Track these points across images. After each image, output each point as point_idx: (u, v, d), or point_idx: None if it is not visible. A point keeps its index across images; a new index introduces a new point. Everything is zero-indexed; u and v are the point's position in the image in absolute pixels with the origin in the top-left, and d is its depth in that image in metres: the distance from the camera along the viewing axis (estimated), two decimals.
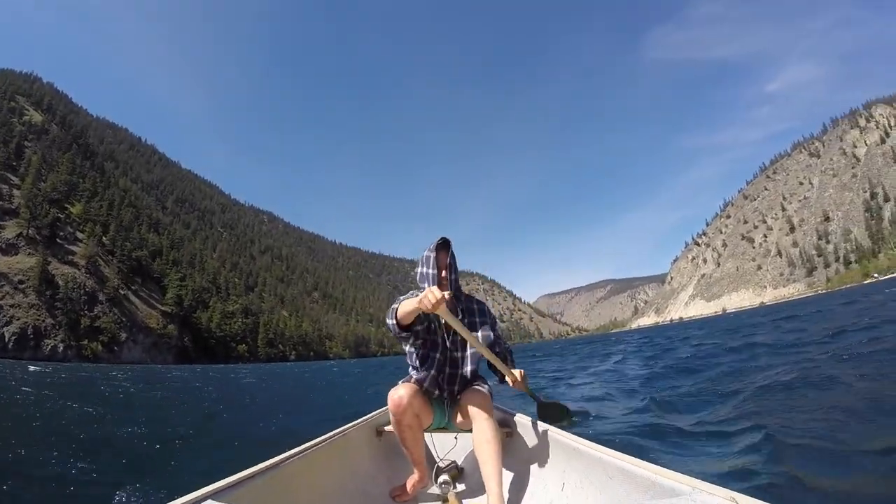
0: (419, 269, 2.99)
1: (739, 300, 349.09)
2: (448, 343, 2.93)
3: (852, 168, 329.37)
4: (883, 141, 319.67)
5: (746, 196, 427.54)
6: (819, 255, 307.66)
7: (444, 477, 3.01)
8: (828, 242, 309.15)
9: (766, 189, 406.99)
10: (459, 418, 2.91)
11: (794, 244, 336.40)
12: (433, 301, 2.43)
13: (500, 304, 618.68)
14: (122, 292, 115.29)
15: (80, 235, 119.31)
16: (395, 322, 2.75)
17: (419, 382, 2.91)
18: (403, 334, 2.84)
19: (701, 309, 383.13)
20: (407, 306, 2.67)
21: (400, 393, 2.70)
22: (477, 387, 2.84)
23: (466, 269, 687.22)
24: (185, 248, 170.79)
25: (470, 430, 2.79)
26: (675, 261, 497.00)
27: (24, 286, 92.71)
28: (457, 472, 3.16)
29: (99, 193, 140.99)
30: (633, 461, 1.76)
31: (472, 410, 2.64)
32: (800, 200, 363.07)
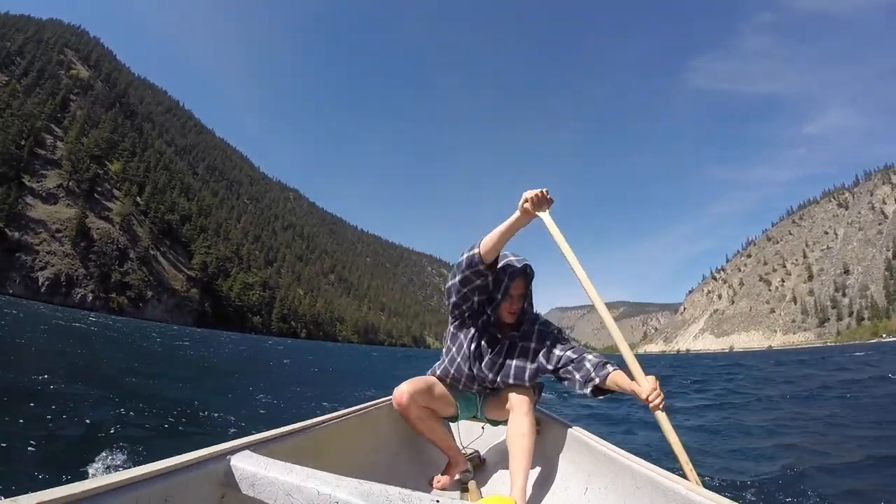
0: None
1: (748, 340, 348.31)
2: (493, 337, 2.73)
3: (879, 224, 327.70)
4: None
5: (770, 238, 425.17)
6: (833, 307, 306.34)
7: (466, 465, 3.04)
8: (844, 295, 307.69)
9: (790, 234, 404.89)
10: (493, 410, 2.87)
11: (811, 293, 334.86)
12: (535, 193, 2.40)
13: None
14: (152, 252, 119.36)
15: (116, 193, 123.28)
16: (477, 254, 2.46)
17: (445, 373, 2.86)
18: (477, 276, 2.52)
19: (709, 344, 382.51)
20: (495, 233, 2.45)
21: (402, 390, 2.67)
22: (521, 381, 2.69)
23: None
24: (213, 216, 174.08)
25: (500, 423, 2.87)
26: (690, 292, 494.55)
27: (60, 235, 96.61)
28: (479, 462, 3.23)
29: (137, 154, 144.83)
30: (664, 473, 1.72)
31: (513, 403, 2.55)
32: (822, 250, 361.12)
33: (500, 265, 2.62)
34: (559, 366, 2.64)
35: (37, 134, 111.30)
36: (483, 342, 2.69)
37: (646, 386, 2.26)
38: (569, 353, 2.64)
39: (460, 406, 2.91)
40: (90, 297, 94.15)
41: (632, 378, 2.35)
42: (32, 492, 0.86)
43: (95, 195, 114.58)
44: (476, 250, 2.45)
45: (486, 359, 2.69)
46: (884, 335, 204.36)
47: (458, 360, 2.75)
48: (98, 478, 1.10)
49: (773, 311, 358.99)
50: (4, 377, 7.23)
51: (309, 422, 2.08)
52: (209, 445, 1.41)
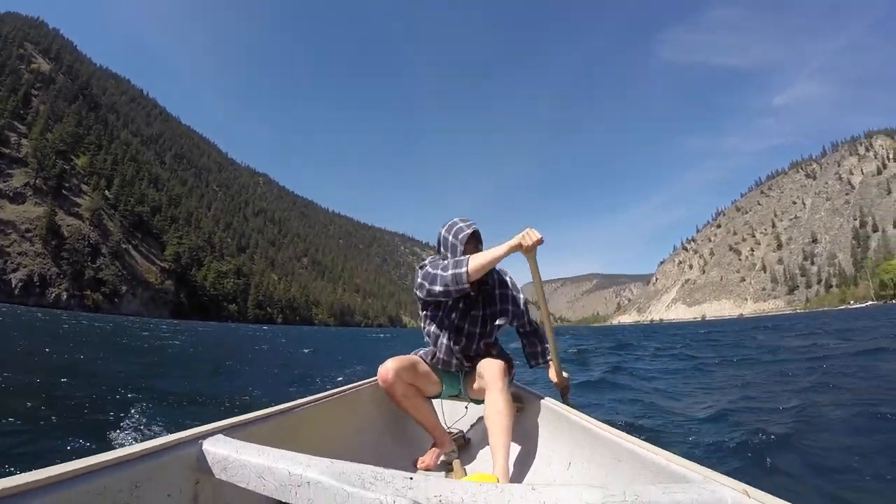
0: (441, 251, 2.95)
1: (720, 309, 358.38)
2: (467, 312, 2.92)
3: (846, 194, 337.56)
4: (879, 172, 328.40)
5: (739, 208, 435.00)
6: (802, 275, 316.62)
7: (451, 445, 3.04)
8: (812, 264, 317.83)
9: (759, 204, 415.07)
10: (474, 387, 2.92)
11: (780, 261, 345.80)
12: (535, 238, 2.50)
13: None
14: (124, 246, 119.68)
15: (84, 188, 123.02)
16: (465, 273, 2.57)
17: (428, 355, 2.98)
18: (463, 291, 2.68)
19: (681, 313, 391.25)
20: (487, 255, 2.58)
21: (387, 367, 2.74)
22: (494, 358, 2.80)
23: None
24: (183, 205, 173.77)
25: (481, 401, 2.87)
26: (661, 263, 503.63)
27: (31, 235, 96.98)
28: (463, 442, 3.24)
29: (104, 147, 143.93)
30: (644, 445, 1.73)
31: (488, 380, 2.60)
32: (790, 219, 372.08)
33: (450, 230, 2.89)
34: (527, 329, 3.13)
35: (0, 132, 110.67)
36: (459, 310, 2.89)
37: (560, 381, 2.97)
38: (534, 321, 3.14)
39: (444, 384, 3.01)
40: (65, 296, 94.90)
41: (556, 372, 2.95)
42: None
43: (63, 191, 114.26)
44: (464, 271, 2.57)
45: (465, 328, 2.89)
46: (851, 301, 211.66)
47: (442, 339, 2.89)
48: (61, 464, 1.09)
49: (743, 279, 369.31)
50: None
51: (288, 404, 2.09)
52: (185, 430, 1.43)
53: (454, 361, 2.90)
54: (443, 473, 2.85)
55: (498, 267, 2.89)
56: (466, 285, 2.59)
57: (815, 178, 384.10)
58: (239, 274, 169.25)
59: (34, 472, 1.01)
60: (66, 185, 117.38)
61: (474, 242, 2.88)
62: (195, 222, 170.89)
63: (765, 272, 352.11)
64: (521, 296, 3.07)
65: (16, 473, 0.92)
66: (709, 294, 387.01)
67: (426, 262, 2.85)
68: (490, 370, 2.62)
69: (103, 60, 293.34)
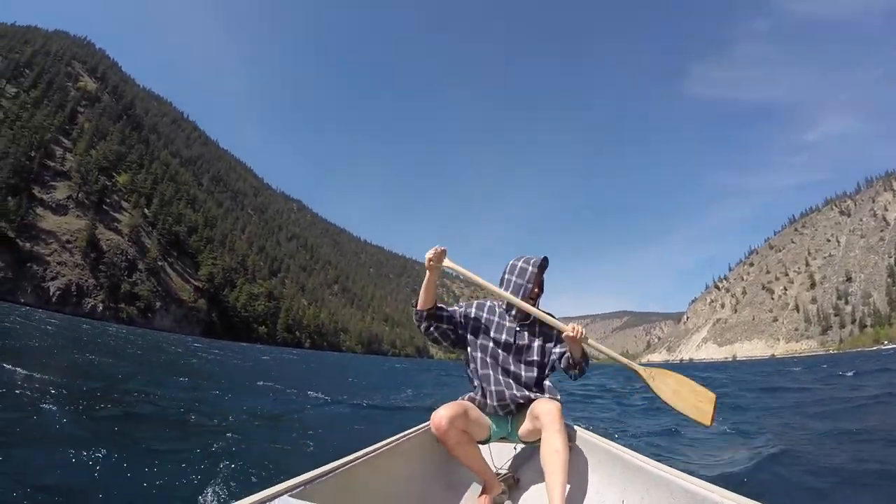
0: (506, 276, 3.14)
1: (751, 349, 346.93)
2: (509, 357, 3.02)
3: (881, 231, 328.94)
4: None
5: (772, 246, 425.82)
6: (836, 315, 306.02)
7: (500, 487, 3.06)
8: (846, 303, 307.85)
9: (792, 242, 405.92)
10: (525, 429, 2.92)
11: (813, 301, 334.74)
12: (432, 253, 2.83)
13: None
14: (160, 263, 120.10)
15: (125, 204, 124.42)
16: (415, 309, 3.04)
17: (473, 400, 3.05)
18: (424, 324, 3.08)
19: (712, 353, 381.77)
20: (421, 290, 3.01)
21: (441, 414, 2.75)
22: (549, 398, 2.88)
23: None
24: (218, 227, 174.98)
25: (533, 443, 2.87)
26: (693, 301, 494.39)
27: (71, 246, 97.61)
28: (513, 482, 3.22)
29: (145, 166, 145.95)
30: (701, 483, 1.70)
31: (544, 421, 2.62)
32: (825, 257, 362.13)
33: (520, 259, 3.14)
34: (559, 363, 3.02)
35: (46, 146, 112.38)
36: (498, 353, 3.00)
37: (568, 327, 2.84)
38: (556, 348, 3.08)
39: (494, 427, 3.00)
40: (100, 308, 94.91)
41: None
42: None
43: (104, 206, 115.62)
44: (413, 307, 3.02)
45: (511, 370, 2.97)
46: (885, 342, 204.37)
47: (491, 387, 2.93)
48: None
49: (775, 319, 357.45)
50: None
51: (344, 459, 2.10)
52: (248, 495, 1.43)
53: (500, 405, 2.94)
54: None
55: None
56: (423, 315, 3.01)
57: (849, 216, 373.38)
58: (270, 297, 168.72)
59: None
60: (107, 200, 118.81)
61: (541, 270, 3.17)
62: (230, 244, 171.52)
63: (798, 312, 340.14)
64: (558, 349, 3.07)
65: None
66: (740, 334, 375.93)
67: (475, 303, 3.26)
68: (546, 409, 2.63)
69: (147, 82, 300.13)
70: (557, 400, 2.83)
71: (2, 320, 26.69)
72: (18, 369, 8.64)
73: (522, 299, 2.97)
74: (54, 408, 6.17)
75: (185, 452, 5.01)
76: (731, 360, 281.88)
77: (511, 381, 2.93)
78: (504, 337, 3.00)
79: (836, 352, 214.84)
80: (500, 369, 2.95)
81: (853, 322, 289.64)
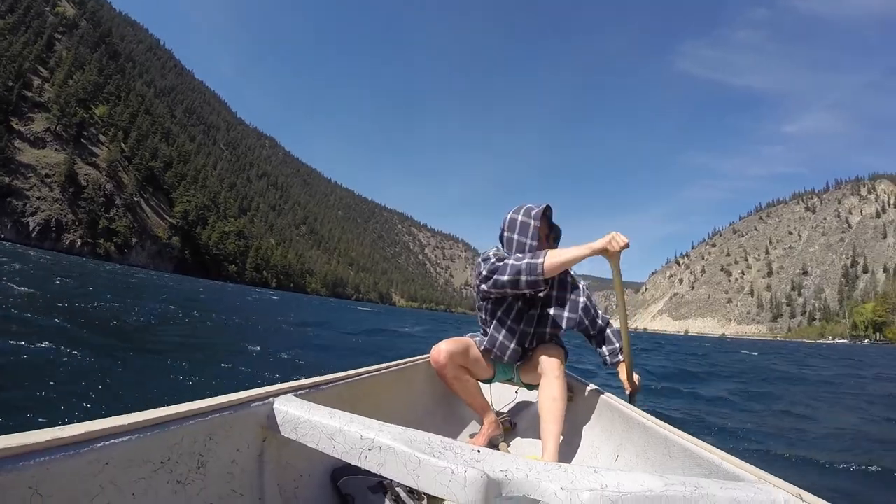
0: (506, 234, 2.77)
1: (703, 326, 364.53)
2: (524, 311, 2.82)
3: (842, 232, 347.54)
4: (878, 215, 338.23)
5: (736, 231, 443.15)
6: (788, 305, 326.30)
7: (498, 428, 2.99)
8: (799, 295, 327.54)
9: (755, 229, 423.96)
10: (527, 374, 2.86)
11: (768, 288, 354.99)
12: (622, 243, 2.37)
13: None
14: (136, 199, 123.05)
15: (102, 138, 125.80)
16: (541, 263, 2.46)
17: (481, 343, 2.90)
18: (544, 287, 2.64)
19: (666, 325, 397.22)
20: (567, 254, 2.48)
21: (440, 348, 2.72)
22: (553, 343, 2.79)
23: (452, 232, 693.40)
24: (191, 162, 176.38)
25: (534, 387, 2.78)
26: (653, 273, 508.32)
27: (50, 181, 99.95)
28: (510, 426, 3.21)
29: (122, 98, 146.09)
30: (697, 442, 1.70)
31: (545, 367, 2.56)
32: (785, 248, 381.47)
33: (518, 210, 2.78)
34: (592, 332, 3.02)
35: (24, 75, 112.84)
36: (517, 308, 2.81)
37: (631, 384, 2.86)
38: (601, 319, 3.06)
39: (497, 369, 2.98)
40: (79, 243, 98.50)
41: (628, 374, 2.85)
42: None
43: (82, 140, 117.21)
44: (540, 262, 2.47)
45: (521, 327, 2.81)
46: (830, 338, 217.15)
47: (497, 335, 2.83)
48: (142, 412, 1.07)
49: (730, 300, 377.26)
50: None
51: (351, 371, 2.14)
52: (252, 388, 1.47)
53: (507, 356, 2.85)
54: (484, 448, 2.16)
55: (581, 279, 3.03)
56: (540, 277, 2.48)
57: (814, 212, 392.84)
58: (240, 236, 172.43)
59: (116, 417, 1.00)
60: (85, 133, 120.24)
61: (547, 221, 2.89)
62: (202, 180, 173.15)
63: (752, 296, 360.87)
64: (583, 299, 2.93)
65: (103, 412, 1.05)
66: (695, 310, 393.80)
67: (489, 252, 2.75)
68: (548, 357, 2.62)
69: (122, 6, 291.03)
70: (561, 347, 2.82)
71: None
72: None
73: (534, 242, 2.71)
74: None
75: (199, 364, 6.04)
76: (682, 333, 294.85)
77: (518, 336, 2.82)
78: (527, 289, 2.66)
79: (782, 339, 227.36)
80: (509, 325, 2.81)
81: (803, 314, 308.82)
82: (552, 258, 2.47)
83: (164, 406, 1.07)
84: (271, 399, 1.47)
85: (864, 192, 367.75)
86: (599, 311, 3.07)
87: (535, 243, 2.68)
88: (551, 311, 2.84)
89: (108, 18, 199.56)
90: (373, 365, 2.48)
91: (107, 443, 0.95)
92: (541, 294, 2.80)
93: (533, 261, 2.48)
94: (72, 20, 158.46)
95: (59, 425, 0.87)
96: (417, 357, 3.07)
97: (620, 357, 2.92)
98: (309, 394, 1.68)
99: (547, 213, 2.84)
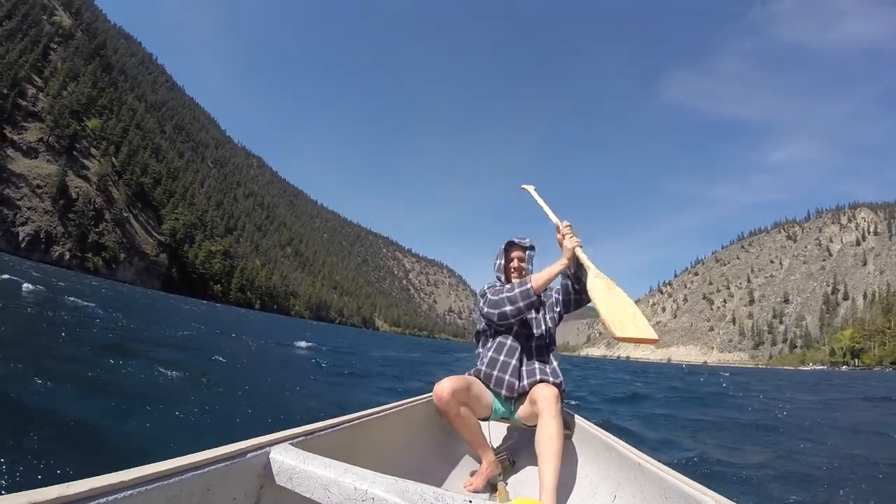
0: (495, 261, 3.31)
1: (686, 354, 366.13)
2: (524, 335, 3.09)
3: (823, 260, 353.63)
4: (858, 243, 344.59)
5: (718, 259, 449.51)
6: (769, 332, 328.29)
7: (497, 467, 3.04)
8: (781, 323, 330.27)
9: (737, 258, 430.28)
10: (524, 412, 2.94)
11: (750, 316, 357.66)
12: (573, 242, 2.77)
13: (462, 301, 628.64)
14: (126, 215, 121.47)
15: (94, 151, 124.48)
16: (530, 287, 2.86)
17: (483, 375, 3.05)
18: (533, 305, 2.94)
19: (648, 353, 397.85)
20: (545, 273, 2.87)
21: (444, 385, 2.79)
22: (549, 382, 2.87)
23: (437, 258, 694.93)
24: (180, 179, 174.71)
25: (531, 426, 2.84)
26: (636, 302, 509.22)
27: (41, 191, 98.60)
28: (508, 464, 3.22)
29: (115, 111, 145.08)
30: (693, 484, 1.67)
31: (541, 406, 2.61)
32: (766, 277, 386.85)
33: (498, 254, 3.35)
34: (560, 307, 3.21)
35: (19, 84, 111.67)
36: (513, 337, 3.10)
37: (561, 225, 2.98)
38: (553, 294, 3.30)
39: (495, 406, 3.06)
40: (67, 256, 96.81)
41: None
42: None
43: (74, 152, 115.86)
44: (529, 286, 2.88)
45: (520, 352, 3.07)
46: (810, 364, 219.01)
47: (500, 361, 3.03)
48: (139, 468, 1.11)
49: (712, 329, 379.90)
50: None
51: (346, 417, 2.15)
52: (248, 437, 1.50)
53: (504, 388, 2.98)
54: (487, 495, 2.91)
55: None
56: (534, 297, 2.88)
57: (795, 241, 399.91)
58: (227, 255, 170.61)
59: (119, 472, 1.03)
60: (77, 146, 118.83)
61: (512, 249, 3.35)
62: (189, 198, 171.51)
63: (734, 324, 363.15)
64: (554, 296, 3.27)
65: (98, 470, 0.93)
66: (677, 338, 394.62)
67: (486, 289, 3.16)
68: (544, 395, 2.67)
69: (117, 18, 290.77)
70: (558, 385, 2.89)
71: None
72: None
73: (505, 278, 3.26)
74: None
75: (186, 402, 5.69)
76: (665, 361, 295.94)
77: (518, 364, 3.02)
78: (527, 311, 3.02)
79: (763, 366, 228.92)
80: (507, 350, 3.04)
81: (784, 341, 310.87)
82: (535, 280, 2.89)
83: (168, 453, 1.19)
84: (268, 448, 1.49)
85: (844, 220, 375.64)
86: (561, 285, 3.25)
87: (501, 262, 3.29)
88: (537, 330, 3.19)
89: (102, 30, 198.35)
90: (373, 407, 2.54)
91: (110, 498, 0.97)
92: (533, 324, 3.19)
93: (524, 288, 2.88)
94: (68, 30, 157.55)
95: (66, 482, 0.90)
96: (418, 397, 3.15)
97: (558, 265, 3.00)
98: (305, 441, 1.70)
99: (507, 250, 3.32)
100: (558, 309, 3.21)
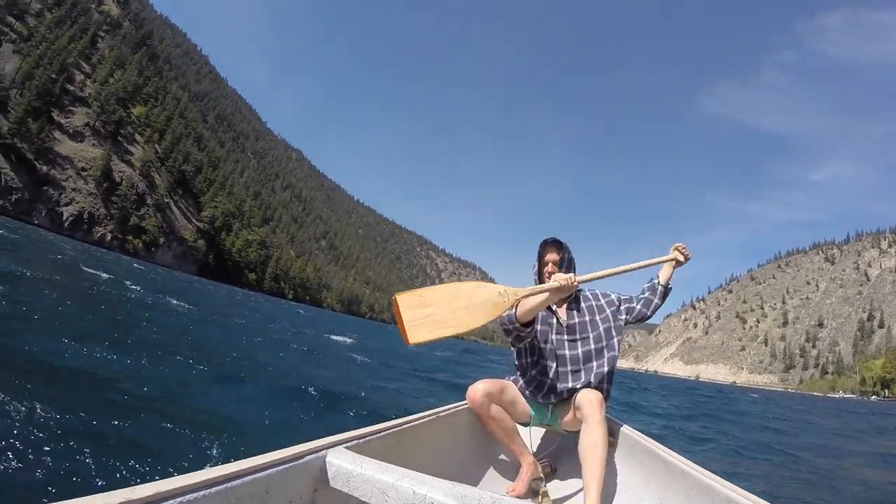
0: (534, 263, 3.15)
1: (714, 372, 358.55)
2: (555, 349, 2.95)
3: (860, 285, 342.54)
4: None
5: (753, 278, 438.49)
6: (801, 356, 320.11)
7: (538, 472, 3.00)
8: (814, 347, 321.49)
9: (773, 277, 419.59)
10: (567, 418, 2.87)
11: (783, 338, 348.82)
12: (564, 282, 2.51)
13: None
14: (167, 201, 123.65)
15: (138, 138, 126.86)
16: (514, 312, 2.74)
17: (519, 383, 3.05)
18: (525, 331, 2.82)
19: (677, 369, 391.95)
20: (529, 302, 2.65)
21: (476, 388, 2.80)
22: (594, 389, 2.76)
23: (469, 259, 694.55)
24: (220, 168, 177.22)
25: (573, 432, 2.82)
26: (667, 316, 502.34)
27: (85, 174, 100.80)
28: (550, 471, 3.16)
29: (160, 100, 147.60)
30: (740, 491, 1.63)
31: (585, 412, 2.54)
32: (801, 299, 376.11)
33: (541, 244, 3.15)
34: (631, 315, 3.13)
35: (68, 70, 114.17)
36: (549, 342, 2.97)
37: (671, 254, 3.07)
38: (641, 300, 3.20)
39: (534, 412, 3.03)
40: (108, 237, 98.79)
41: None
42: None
43: (119, 138, 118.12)
44: (513, 311, 2.75)
45: (555, 366, 2.94)
46: (840, 392, 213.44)
47: (533, 373, 2.99)
48: (210, 469, 1.17)
49: (743, 348, 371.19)
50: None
51: (396, 422, 2.20)
52: (306, 440, 1.55)
53: (548, 387, 2.94)
54: (529, 501, 2.87)
55: (599, 291, 3.23)
56: (516, 323, 2.76)
57: (833, 263, 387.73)
58: (262, 245, 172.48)
59: (183, 476, 1.10)
60: (122, 132, 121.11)
61: (549, 250, 3.11)
62: (229, 187, 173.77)
63: (766, 346, 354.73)
64: (611, 316, 3.11)
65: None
66: (707, 356, 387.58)
67: None
68: (588, 402, 2.59)
69: (163, 9, 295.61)
70: (601, 391, 2.81)
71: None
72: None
73: (539, 280, 3.08)
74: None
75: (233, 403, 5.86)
76: (693, 378, 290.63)
77: (558, 367, 2.94)
78: (550, 322, 3.01)
79: (793, 391, 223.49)
80: (548, 354, 2.95)
81: (816, 366, 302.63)
82: (521, 306, 2.70)
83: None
84: (324, 452, 1.52)
85: (884, 244, 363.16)
86: (636, 297, 3.24)
87: (536, 279, 3.11)
88: (588, 342, 2.99)
89: (149, 20, 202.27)
90: (416, 413, 2.56)
91: (173, 501, 0.99)
92: (573, 320, 3.02)
93: (510, 311, 2.75)
94: (115, 20, 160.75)
95: (131, 486, 0.94)
96: (458, 403, 3.11)
97: (655, 279, 3.24)
98: (358, 445, 1.72)
99: (542, 252, 3.11)
100: (623, 317, 3.13)
